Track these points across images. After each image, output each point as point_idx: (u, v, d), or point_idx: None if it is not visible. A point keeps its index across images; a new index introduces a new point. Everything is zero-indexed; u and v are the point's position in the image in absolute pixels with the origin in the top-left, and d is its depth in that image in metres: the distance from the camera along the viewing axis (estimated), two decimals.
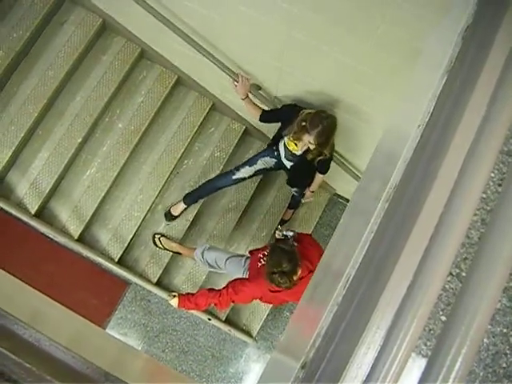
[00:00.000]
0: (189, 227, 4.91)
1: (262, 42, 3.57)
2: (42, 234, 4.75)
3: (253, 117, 4.19)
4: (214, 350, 5.40)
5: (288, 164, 4.23)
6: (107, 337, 2.07)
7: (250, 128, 5.04)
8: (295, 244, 3.70)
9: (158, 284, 4.86)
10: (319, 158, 3.89)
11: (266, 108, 4.15)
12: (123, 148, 4.68)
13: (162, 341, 5.36)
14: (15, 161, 4.51)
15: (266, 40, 3.51)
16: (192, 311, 4.71)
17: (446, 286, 1.13)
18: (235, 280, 3.87)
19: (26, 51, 4.49)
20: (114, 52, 4.66)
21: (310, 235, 4.29)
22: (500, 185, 1.17)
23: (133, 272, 4.76)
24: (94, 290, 5.21)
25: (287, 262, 3.32)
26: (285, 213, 5.28)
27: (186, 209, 4.79)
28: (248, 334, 5.13)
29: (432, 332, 1.11)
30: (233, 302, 3.88)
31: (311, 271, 3.49)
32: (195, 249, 4.61)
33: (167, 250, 4.81)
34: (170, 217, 4.84)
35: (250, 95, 4.07)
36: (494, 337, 1.13)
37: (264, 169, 4.43)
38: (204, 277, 4.97)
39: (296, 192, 4.79)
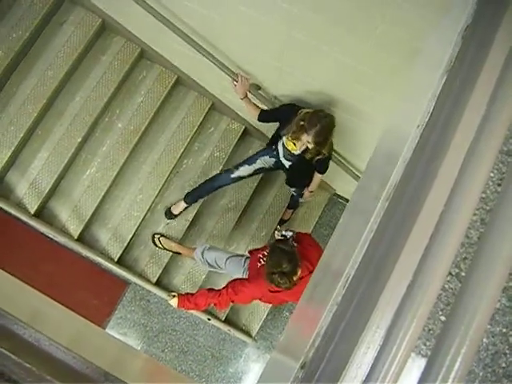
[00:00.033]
0: (188, 227, 4.91)
1: (262, 42, 3.57)
2: (42, 233, 4.75)
3: (251, 116, 4.19)
4: (214, 349, 5.40)
5: (287, 164, 4.23)
6: (107, 337, 2.07)
7: (249, 128, 5.04)
8: (295, 244, 3.70)
9: (158, 284, 4.86)
10: (318, 158, 3.89)
11: (265, 108, 4.15)
12: (123, 148, 4.67)
13: (162, 341, 5.36)
14: (15, 161, 4.51)
15: (265, 40, 3.51)
16: (191, 311, 4.71)
17: (446, 286, 1.13)
18: (235, 280, 3.87)
19: (25, 51, 4.48)
20: (113, 52, 4.66)
21: (310, 235, 4.29)
22: (499, 184, 1.17)
23: (132, 272, 4.76)
24: (93, 289, 5.21)
25: (287, 262, 3.32)
26: (284, 213, 5.28)
27: (186, 208, 4.79)
28: (247, 333, 5.13)
29: (431, 332, 1.11)
30: (232, 302, 3.88)
31: (311, 271, 3.49)
32: (195, 249, 4.61)
33: (167, 249, 4.81)
34: (170, 215, 4.84)
35: (250, 95, 4.07)
36: (493, 336, 1.13)
37: (263, 168, 4.42)
38: (203, 277, 4.97)
39: (295, 192, 4.79)
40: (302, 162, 4.02)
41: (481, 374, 1.12)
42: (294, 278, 3.38)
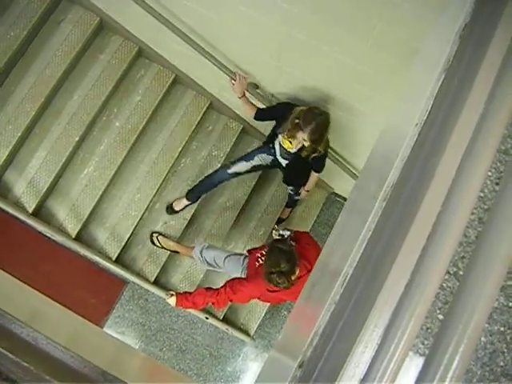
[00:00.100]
0: (186, 226, 4.91)
1: (261, 42, 3.57)
2: (40, 232, 4.75)
3: (248, 115, 4.19)
4: (212, 348, 5.40)
5: (283, 162, 4.23)
6: (105, 336, 2.07)
7: (247, 127, 5.04)
8: (293, 243, 3.70)
9: (156, 283, 4.86)
10: (314, 155, 3.88)
11: (263, 106, 4.15)
12: (121, 147, 4.67)
13: (160, 339, 5.36)
14: (12, 160, 4.50)
15: (265, 40, 3.51)
16: (189, 310, 4.71)
17: (444, 285, 1.14)
18: (233, 279, 3.87)
19: (23, 50, 4.47)
20: (111, 51, 4.66)
21: (308, 233, 4.29)
22: (497, 183, 1.18)
23: (130, 271, 4.76)
24: (91, 288, 5.21)
25: (285, 262, 3.32)
26: (282, 211, 5.28)
27: (188, 205, 4.80)
28: (246, 332, 5.13)
29: (429, 331, 1.11)
30: (230, 301, 3.88)
31: (309, 270, 3.49)
32: (193, 247, 4.61)
33: (165, 248, 4.80)
34: (171, 211, 4.84)
35: (247, 94, 4.07)
36: (491, 335, 1.13)
37: (260, 165, 4.42)
38: (202, 275, 4.97)
39: (292, 191, 4.79)
40: (298, 161, 4.02)
41: (479, 372, 1.12)
42: (293, 278, 3.38)
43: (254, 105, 4.12)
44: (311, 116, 3.58)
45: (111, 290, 5.30)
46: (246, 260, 4.14)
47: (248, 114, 4.16)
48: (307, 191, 4.64)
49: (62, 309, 1.48)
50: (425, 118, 1.24)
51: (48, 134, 4.53)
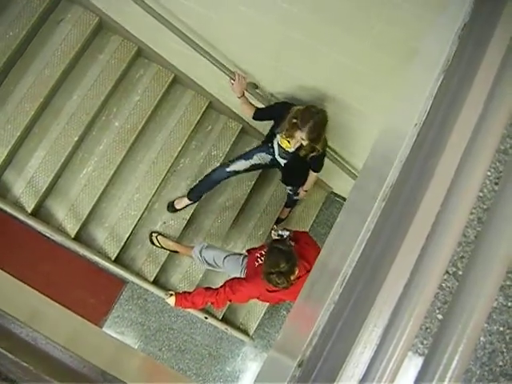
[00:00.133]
0: (186, 226, 4.91)
1: (260, 42, 3.57)
2: (39, 232, 4.75)
3: (247, 115, 4.19)
4: (211, 348, 5.40)
5: (282, 161, 4.23)
6: (104, 336, 2.07)
7: (246, 126, 5.04)
8: (292, 243, 3.70)
9: (155, 283, 4.86)
10: (312, 155, 3.88)
11: (262, 106, 4.15)
12: (120, 146, 4.67)
13: (159, 339, 5.36)
14: (11, 159, 4.50)
15: (263, 39, 3.51)
16: (189, 310, 4.71)
17: (443, 285, 1.14)
18: (233, 279, 3.87)
19: (22, 50, 4.47)
20: (110, 50, 4.66)
21: (307, 233, 4.29)
22: (496, 183, 1.18)
23: (129, 271, 4.76)
24: (90, 288, 5.21)
25: (285, 262, 3.32)
26: (281, 211, 5.27)
27: (189, 205, 4.80)
28: (245, 332, 5.13)
29: (428, 330, 1.11)
30: (230, 301, 3.88)
31: (308, 270, 3.49)
32: (192, 247, 4.61)
33: (164, 248, 4.80)
34: (172, 209, 4.84)
35: (247, 93, 4.06)
36: (490, 335, 1.13)
37: (259, 164, 4.41)
38: (201, 275, 4.97)
39: (291, 190, 4.79)
40: (296, 160, 4.02)
41: (478, 372, 1.12)
42: (292, 278, 3.38)
43: (253, 105, 4.12)
44: (309, 115, 3.58)
45: (110, 290, 5.30)
46: (246, 260, 4.14)
47: (247, 113, 4.17)
48: (305, 191, 4.64)
49: (62, 309, 1.48)
50: (424, 118, 1.24)
51: (47, 133, 4.53)
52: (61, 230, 4.57)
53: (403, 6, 2.44)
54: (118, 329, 5.31)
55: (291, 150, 3.92)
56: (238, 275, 4.09)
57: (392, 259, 1.02)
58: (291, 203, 5.21)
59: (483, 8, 1.25)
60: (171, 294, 3.98)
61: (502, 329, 1.13)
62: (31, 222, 4.47)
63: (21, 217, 4.42)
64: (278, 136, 3.99)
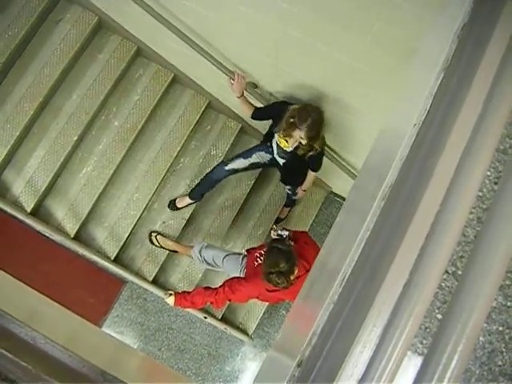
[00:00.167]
0: (185, 225, 4.91)
1: (258, 40, 3.57)
2: (38, 232, 4.75)
3: (246, 115, 4.19)
4: (211, 348, 5.40)
5: (281, 161, 4.24)
6: (103, 335, 2.07)
7: (246, 126, 5.04)
8: (291, 243, 3.70)
9: (154, 282, 4.86)
10: (310, 154, 3.88)
11: (261, 106, 4.15)
12: (119, 146, 4.67)
13: (159, 339, 5.36)
14: (11, 159, 4.50)
15: (261, 38, 3.51)
16: (188, 309, 4.71)
17: (442, 284, 1.14)
18: (232, 279, 3.87)
19: (21, 49, 4.47)
20: (109, 50, 4.66)
21: (307, 233, 4.28)
22: (496, 183, 1.18)
23: (129, 270, 4.75)
24: (90, 288, 5.21)
25: (284, 262, 3.32)
26: (281, 211, 5.27)
27: (190, 204, 4.81)
28: (244, 332, 5.13)
29: (428, 330, 1.11)
30: (229, 300, 3.89)
31: (308, 270, 3.49)
32: (191, 247, 4.61)
33: (163, 248, 4.80)
34: (173, 207, 4.85)
35: (246, 93, 4.06)
36: (489, 335, 1.13)
37: (259, 163, 4.42)
38: (200, 275, 4.97)
39: (290, 190, 4.79)
40: (295, 160, 4.02)
41: (477, 372, 1.12)
42: (291, 278, 3.38)
43: (252, 104, 4.12)
44: (306, 113, 3.58)
45: (110, 290, 5.30)
46: (245, 259, 4.14)
47: (246, 113, 4.17)
48: (304, 191, 4.64)
49: (61, 308, 1.48)
50: (423, 117, 1.24)
51: (46, 133, 4.53)
52: (60, 230, 4.57)
53: (403, 6, 2.43)
54: (118, 328, 5.31)
55: (289, 149, 3.92)
56: (237, 275, 4.09)
57: (391, 259, 1.02)
58: (290, 203, 5.21)
59: (483, 8, 1.25)
60: (170, 294, 3.98)
61: (501, 328, 1.13)
62: (30, 221, 4.46)
63: (20, 216, 4.42)
64: (276, 135, 3.99)
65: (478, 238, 1.03)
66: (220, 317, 5.00)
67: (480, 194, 1.17)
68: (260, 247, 4.06)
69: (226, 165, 4.42)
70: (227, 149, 5.00)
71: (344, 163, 4.52)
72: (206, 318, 4.88)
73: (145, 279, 4.78)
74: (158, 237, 4.79)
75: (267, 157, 4.34)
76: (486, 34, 1.12)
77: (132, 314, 5.32)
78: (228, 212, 5.03)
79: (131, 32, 4.57)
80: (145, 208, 4.79)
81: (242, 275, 4.05)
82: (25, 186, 4.47)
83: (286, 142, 3.84)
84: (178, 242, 4.85)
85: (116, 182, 4.76)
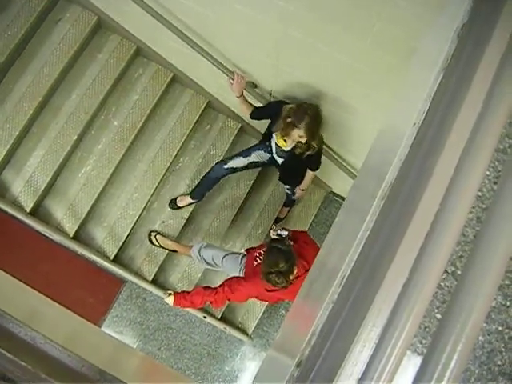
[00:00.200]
0: (184, 225, 4.90)
1: (258, 40, 3.56)
2: (38, 232, 4.74)
3: (245, 114, 4.19)
4: (210, 348, 5.40)
5: (279, 160, 4.24)
6: (103, 335, 2.07)
7: (245, 126, 5.04)
8: (291, 243, 3.70)
9: (154, 282, 4.86)
10: (308, 153, 3.88)
11: (260, 105, 4.15)
12: (119, 146, 4.67)
13: (158, 339, 5.36)
14: (10, 159, 4.50)
15: (261, 38, 3.50)
16: (187, 309, 4.71)
17: (442, 284, 1.14)
18: (231, 278, 3.87)
19: (20, 49, 4.47)
20: (109, 50, 4.66)
21: (306, 233, 4.28)
22: (495, 183, 1.18)
23: (128, 270, 4.75)
24: (89, 288, 5.21)
25: (284, 261, 3.32)
26: (280, 211, 5.27)
27: (192, 203, 4.81)
28: (244, 332, 5.13)
29: (427, 330, 1.11)
30: (228, 300, 3.89)
31: (307, 270, 3.49)
32: (191, 246, 4.61)
33: (163, 247, 4.80)
34: (174, 205, 4.85)
35: (246, 93, 4.07)
36: (489, 334, 1.13)
37: (258, 162, 4.42)
38: (200, 275, 4.97)
39: (289, 189, 4.79)
40: (293, 159, 4.02)
41: (476, 371, 1.12)
42: (291, 277, 3.38)
43: (251, 104, 4.13)
44: (302, 111, 3.59)
45: (109, 290, 5.30)
46: (244, 259, 4.14)
47: (245, 112, 4.18)
48: (302, 190, 4.64)
49: (60, 308, 1.48)
50: (423, 117, 1.24)
51: (46, 132, 4.53)
52: (59, 230, 4.57)
53: (403, 6, 2.43)
54: (117, 328, 5.31)
55: (287, 148, 3.92)
56: (236, 274, 4.09)
57: (391, 258, 1.02)
58: (290, 203, 5.21)
59: (482, 7, 1.25)
60: (170, 294, 3.98)
61: (500, 328, 1.13)
62: (30, 221, 4.46)
63: (19, 216, 4.42)
64: (274, 135, 4.00)
65: (477, 237, 1.03)
66: (219, 316, 5.00)
67: (479, 193, 1.17)
68: (259, 247, 4.06)
69: (226, 163, 4.42)
70: (227, 148, 5.00)
71: (344, 163, 4.52)
72: (205, 317, 4.88)
73: (144, 279, 4.78)
74: (157, 236, 4.79)
75: (266, 156, 4.34)
76: (486, 34, 1.12)
77: (131, 314, 5.32)
78: (227, 212, 5.03)
79: (131, 31, 4.56)
80: (144, 208, 4.79)
81: (241, 275, 4.05)
82: (24, 186, 4.47)
83: (284, 141, 3.84)
84: (177, 241, 4.85)
85: (115, 181, 4.76)
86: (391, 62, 2.90)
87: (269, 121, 4.09)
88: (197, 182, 4.69)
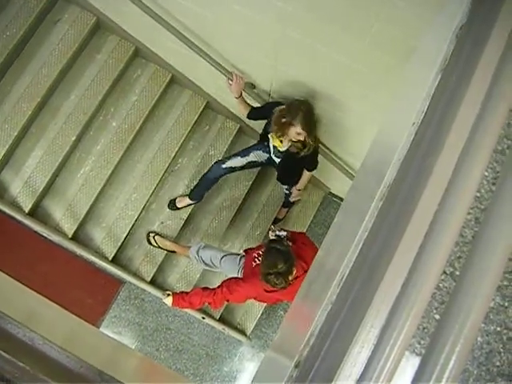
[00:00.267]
0: (183, 226, 4.90)
1: (257, 41, 3.57)
2: (36, 232, 4.74)
3: (244, 115, 4.20)
4: (209, 348, 5.40)
5: (277, 160, 4.25)
6: (101, 336, 2.07)
7: (244, 126, 5.04)
8: (290, 244, 3.70)
9: (152, 283, 4.86)
10: (304, 153, 3.88)
11: (258, 106, 4.16)
12: (117, 146, 4.67)
13: (156, 339, 5.36)
14: (9, 159, 4.50)
15: (260, 39, 3.51)
16: (186, 310, 4.71)
17: (440, 285, 1.13)
18: (230, 279, 3.87)
19: (19, 50, 4.47)
20: (108, 50, 4.66)
21: (305, 233, 4.29)
22: (494, 183, 1.17)
23: (127, 271, 4.75)
24: (88, 288, 5.20)
25: (283, 262, 3.32)
26: (279, 211, 5.27)
27: (191, 205, 4.81)
28: (242, 332, 5.13)
29: (426, 330, 1.11)
30: (227, 301, 3.88)
31: (306, 271, 3.49)
32: (189, 247, 4.61)
33: (161, 248, 4.80)
34: (173, 206, 4.85)
35: (244, 94, 4.07)
36: (487, 335, 1.13)
37: (256, 162, 4.42)
38: (198, 275, 4.97)
39: (286, 190, 4.79)
40: (290, 159, 4.03)
41: (475, 372, 1.12)
42: (290, 278, 3.38)
43: (249, 104, 4.13)
44: (295, 108, 3.61)
45: (108, 290, 5.29)
46: (243, 260, 4.14)
47: (243, 113, 4.19)
48: (299, 190, 4.64)
49: (59, 309, 1.48)
50: (422, 117, 1.24)
51: (44, 133, 4.53)
52: (58, 230, 4.57)
53: (402, 6, 2.43)
54: (115, 329, 5.31)
55: (282, 149, 3.93)
56: (235, 275, 4.09)
57: (389, 259, 1.02)
58: (288, 203, 5.21)
59: (481, 6, 1.25)
60: (168, 294, 3.98)
61: (499, 329, 1.13)
62: (28, 221, 4.46)
63: (18, 217, 4.42)
64: (270, 136, 4.00)
65: (475, 238, 1.03)
66: (218, 317, 5.00)
67: (478, 194, 1.17)
68: (258, 248, 4.05)
69: (224, 163, 4.41)
70: (225, 149, 5.00)
71: (342, 164, 4.52)
72: (203, 318, 4.88)
73: (143, 279, 4.78)
74: (156, 237, 4.79)
75: (264, 156, 4.34)
76: (485, 33, 1.12)
77: (130, 315, 5.31)
78: (226, 212, 5.03)
79: (129, 32, 4.56)
80: (143, 208, 4.79)
81: (239, 275, 4.05)
82: (23, 187, 4.47)
83: (280, 142, 3.85)
84: (176, 242, 4.85)
85: (114, 182, 4.76)
86: (389, 63, 2.90)
87: (266, 121, 4.09)
88: (196, 183, 4.68)
